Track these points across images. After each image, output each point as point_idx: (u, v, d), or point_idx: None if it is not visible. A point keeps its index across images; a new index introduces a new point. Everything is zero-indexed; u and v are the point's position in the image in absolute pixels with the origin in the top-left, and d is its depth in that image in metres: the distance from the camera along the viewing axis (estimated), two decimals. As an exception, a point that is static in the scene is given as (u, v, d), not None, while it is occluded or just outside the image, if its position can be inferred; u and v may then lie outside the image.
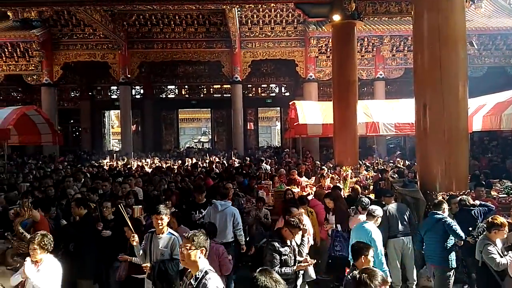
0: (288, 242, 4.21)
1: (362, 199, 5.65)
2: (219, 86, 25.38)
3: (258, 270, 2.54)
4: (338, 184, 8.15)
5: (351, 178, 9.15)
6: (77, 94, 24.81)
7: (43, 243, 3.63)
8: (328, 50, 17.73)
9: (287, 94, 25.05)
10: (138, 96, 25.02)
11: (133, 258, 4.52)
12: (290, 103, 15.43)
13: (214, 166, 12.72)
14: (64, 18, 17.73)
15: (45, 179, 9.85)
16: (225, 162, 15.18)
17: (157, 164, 14.25)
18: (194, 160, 15.40)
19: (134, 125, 23.97)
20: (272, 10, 17.97)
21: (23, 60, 18.37)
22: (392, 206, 5.94)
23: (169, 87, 25.86)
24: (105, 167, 14.02)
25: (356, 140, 11.13)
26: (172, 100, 25.82)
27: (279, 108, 27.16)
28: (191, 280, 2.93)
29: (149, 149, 22.10)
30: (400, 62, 18.95)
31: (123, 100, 19.81)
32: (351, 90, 10.96)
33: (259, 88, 25.37)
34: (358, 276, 2.68)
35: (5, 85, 21.44)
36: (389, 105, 14.09)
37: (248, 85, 24.35)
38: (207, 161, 15.11)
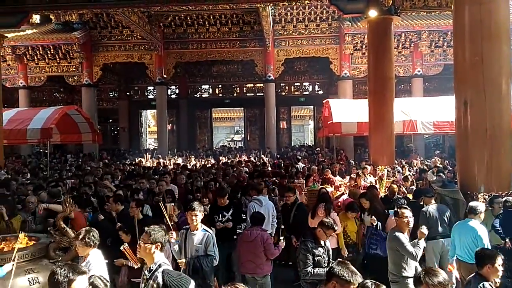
0: (322, 242, 4.16)
1: (399, 199, 5.50)
2: (252, 85, 25.46)
3: (336, 262, 2.72)
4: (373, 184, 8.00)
5: (387, 177, 8.92)
6: (115, 94, 25.60)
7: (86, 239, 3.72)
8: (364, 46, 17.40)
9: (321, 92, 24.80)
10: (173, 96, 25.49)
11: (128, 262, 4.44)
12: (324, 101, 15.27)
13: (243, 165, 12.76)
14: (103, 20, 18.32)
15: (85, 176, 10.23)
16: (253, 160, 15.23)
17: (193, 163, 14.44)
18: (225, 159, 15.54)
19: (170, 124, 24.44)
20: (306, 8, 17.82)
21: (65, 61, 19.13)
22: (433, 207, 5.76)
23: (203, 86, 26.19)
24: (146, 164, 14.39)
25: (392, 139, 10.85)
26: (206, 100, 26.15)
27: (312, 106, 26.94)
28: (146, 271, 3.17)
29: (184, 148, 22.47)
30: (439, 58, 18.32)
31: (159, 100, 20.25)
32: (388, 87, 10.70)
33: (292, 87, 25.25)
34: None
35: (47, 86, 22.41)
36: (428, 103, 13.68)
37: (281, 84, 24.29)
38: (236, 159, 15.17)
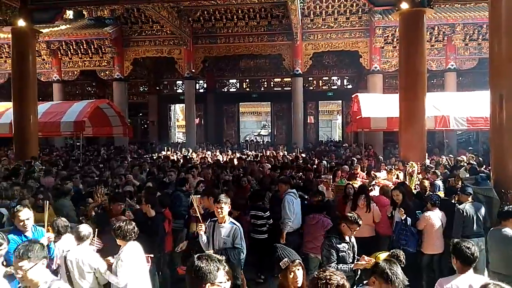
0: (347, 238, 4.09)
1: (432, 196, 5.37)
2: (279, 79, 25.38)
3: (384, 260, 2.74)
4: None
5: (418, 174, 8.71)
6: (145, 89, 26.08)
7: (121, 230, 3.84)
8: (395, 40, 17.01)
9: (350, 86, 24.44)
10: (201, 90, 25.74)
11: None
12: (353, 96, 15.02)
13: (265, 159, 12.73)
14: (134, 16, 18.66)
15: (117, 168, 10.50)
16: (282, 155, 15.19)
17: (218, 157, 14.56)
18: (253, 153, 15.58)
19: (198, 118, 24.70)
20: (336, 0, 17.59)
21: (97, 56, 19.63)
22: (469, 205, 5.57)
23: (231, 81, 26.32)
24: (178, 157, 14.59)
25: (423, 134, 10.56)
26: (234, 94, 26.26)
27: (340, 101, 26.62)
28: None
29: (211, 142, 22.68)
30: (473, 52, 17.68)
31: (187, 94, 20.50)
32: (419, 81, 10.41)
33: (320, 81, 25.00)
34: None
35: (80, 80, 23.05)
36: (461, 98, 13.25)
37: (309, 78, 24.09)
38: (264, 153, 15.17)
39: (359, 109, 13.25)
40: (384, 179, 8.71)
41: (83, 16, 19.54)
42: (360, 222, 4.12)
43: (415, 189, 7.58)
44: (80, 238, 3.93)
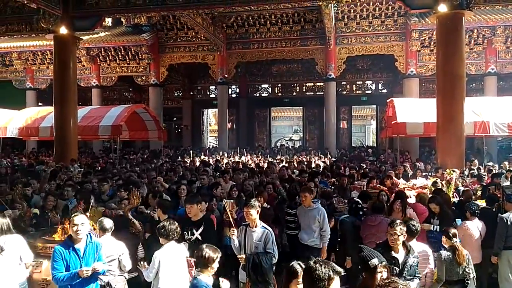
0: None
1: (471, 204, 5.17)
2: (312, 83, 25.23)
3: None
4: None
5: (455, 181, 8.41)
6: (179, 94, 26.60)
7: (162, 230, 3.95)
8: (432, 43, 16.56)
9: (384, 91, 23.96)
10: (234, 95, 25.96)
11: None
12: (388, 101, 14.73)
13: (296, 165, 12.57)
14: (170, 23, 19.11)
15: (150, 172, 10.72)
16: (313, 160, 15.02)
17: (250, 162, 14.59)
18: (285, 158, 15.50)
19: (230, 123, 24.92)
20: (371, 4, 17.31)
21: (134, 62, 20.22)
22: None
23: (263, 85, 26.39)
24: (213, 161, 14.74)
25: (462, 140, 10.21)
26: (266, 99, 26.32)
27: (375, 106, 26.14)
28: None
29: (243, 146, 22.78)
30: (515, 55, 16.97)
31: (220, 99, 20.73)
32: (458, 86, 10.08)
33: (354, 85, 24.65)
34: None
35: (118, 85, 23.79)
36: (502, 103, 12.72)
37: (342, 82, 23.82)
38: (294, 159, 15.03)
39: (394, 114, 12.98)
40: (421, 186, 8.45)
41: (121, 23, 20.18)
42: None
43: (453, 197, 7.33)
44: (104, 230, 4.36)
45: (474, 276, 4.39)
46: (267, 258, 4.14)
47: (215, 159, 15.56)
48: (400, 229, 3.75)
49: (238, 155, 16.97)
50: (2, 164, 12.46)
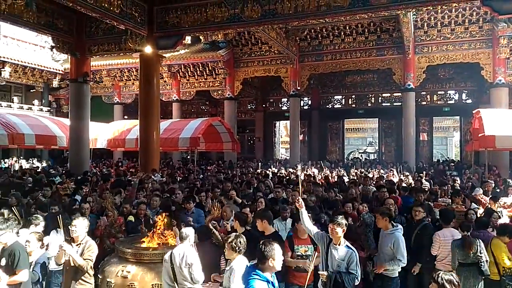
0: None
1: None
2: (388, 94, 24.36)
3: None
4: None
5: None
6: (252, 106, 27.17)
7: (232, 244, 3.93)
8: (523, 49, 15.19)
9: (469, 101, 22.38)
10: (306, 107, 25.90)
11: None
12: (474, 112, 13.71)
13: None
14: (245, 38, 19.68)
15: (226, 183, 11.00)
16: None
17: (325, 174, 14.35)
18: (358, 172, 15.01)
19: (301, 135, 24.86)
20: (453, 11, 16.36)
21: (211, 77, 21.12)
22: None
23: (336, 97, 26.01)
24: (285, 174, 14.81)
25: None
26: (339, 110, 25.89)
27: (458, 117, 24.53)
28: None
29: (315, 159, 22.55)
30: None
31: (292, 111, 20.78)
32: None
33: (435, 95, 23.33)
34: None
35: (195, 99, 24.93)
36: None
37: (422, 92, 22.66)
38: (372, 174, 14.44)
39: (481, 126, 12.02)
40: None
41: (199, 41, 21.18)
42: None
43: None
44: (182, 238, 4.49)
45: (487, 260, 5.07)
46: (350, 278, 3.99)
47: (288, 171, 15.57)
48: None
49: (311, 167, 16.80)
50: (92, 173, 13.57)
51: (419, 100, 21.96)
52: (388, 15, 15.55)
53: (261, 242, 3.27)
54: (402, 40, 16.98)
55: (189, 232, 4.53)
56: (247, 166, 18.65)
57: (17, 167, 17.65)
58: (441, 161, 22.60)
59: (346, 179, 12.91)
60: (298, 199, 4.54)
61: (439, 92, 23.22)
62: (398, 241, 4.80)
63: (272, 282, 3.15)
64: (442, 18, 16.87)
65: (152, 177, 11.44)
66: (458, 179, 12.11)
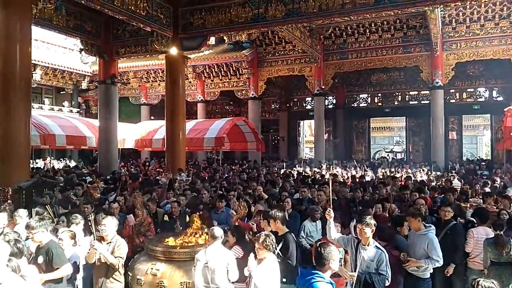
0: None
1: None
2: (416, 92, 23.87)
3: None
4: None
5: None
6: (276, 106, 27.14)
7: (265, 243, 3.96)
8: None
9: (500, 98, 21.67)
10: (330, 106, 25.67)
11: None
12: (505, 110, 13.32)
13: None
14: (268, 38, 19.69)
15: (252, 182, 11.04)
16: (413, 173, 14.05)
17: (352, 174, 14.20)
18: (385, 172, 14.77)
19: (326, 134, 24.65)
20: (482, 6, 15.90)
21: (235, 77, 21.22)
22: None
23: (361, 96, 25.68)
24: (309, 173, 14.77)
25: None
26: (364, 109, 25.54)
27: (488, 115, 23.76)
28: None
29: (340, 158, 22.34)
30: None
31: (317, 111, 20.63)
32: None
33: (464, 93, 22.70)
34: None
35: (220, 99, 25.11)
36: None
37: (451, 90, 22.09)
38: (399, 174, 14.16)
39: (514, 124, 11.68)
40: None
41: (223, 41, 21.33)
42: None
43: None
44: (214, 237, 4.54)
45: None
46: (380, 279, 3.95)
47: (313, 170, 15.49)
48: None
49: (336, 167, 16.66)
50: (121, 173, 13.88)
51: (448, 98, 21.42)
52: (414, 12, 15.19)
53: (318, 245, 3.30)
54: (430, 37, 16.61)
55: (219, 231, 4.59)
56: (272, 165, 18.65)
57: (55, 166, 18.21)
58: (472, 160, 21.96)
59: (368, 178, 12.78)
60: (330, 210, 4.48)
61: (468, 90, 22.58)
62: (432, 241, 4.72)
63: (333, 284, 3.20)
64: (471, 14, 16.42)
65: (178, 177, 11.61)
66: (498, 179, 11.65)
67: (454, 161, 19.60)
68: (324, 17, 11.03)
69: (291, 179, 11.57)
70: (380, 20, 17.33)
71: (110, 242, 4.67)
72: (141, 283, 4.90)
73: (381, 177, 13.24)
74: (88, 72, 24.58)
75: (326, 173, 14.87)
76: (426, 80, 18.01)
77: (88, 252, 4.69)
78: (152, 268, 4.95)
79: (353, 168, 16.29)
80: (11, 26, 8.35)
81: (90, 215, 5.42)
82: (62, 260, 4.13)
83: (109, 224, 4.68)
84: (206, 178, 12.42)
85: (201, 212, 6.37)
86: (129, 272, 5.04)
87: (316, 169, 15.91)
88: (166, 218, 6.72)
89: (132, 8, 10.93)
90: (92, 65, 23.78)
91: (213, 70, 21.26)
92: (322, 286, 3.12)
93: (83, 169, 15.38)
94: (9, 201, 6.94)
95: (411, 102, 24.23)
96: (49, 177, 12.56)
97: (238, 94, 21.54)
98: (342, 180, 11.56)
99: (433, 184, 10.72)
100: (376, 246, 4.11)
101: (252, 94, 20.68)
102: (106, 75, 14.52)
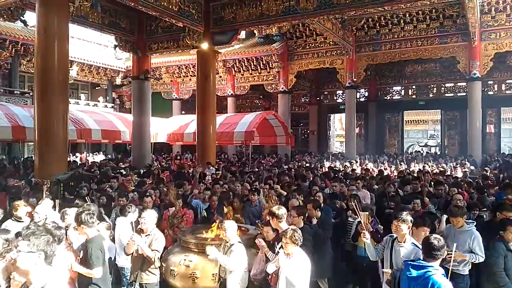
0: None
1: None
2: (452, 84, 23.06)
3: None
4: None
5: None
6: (306, 100, 26.91)
7: (294, 238, 3.95)
8: None
9: (542, 90, 20.65)
10: (362, 99, 25.19)
11: None
12: (549, 101, 12.64)
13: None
14: (299, 30, 19.49)
15: (283, 176, 11.01)
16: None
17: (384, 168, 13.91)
18: (421, 166, 14.36)
19: (357, 128, 24.25)
20: (525, -8, 15.13)
21: (265, 71, 21.17)
22: None
23: (394, 88, 25.06)
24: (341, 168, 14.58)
25: None
26: (397, 102, 24.91)
27: (529, 107, 22.70)
28: None
29: (371, 153, 21.94)
30: None
31: (348, 104, 20.27)
32: None
33: (503, 85, 21.74)
34: None
35: (249, 93, 25.14)
36: None
37: (489, 82, 21.22)
38: (434, 169, 13.74)
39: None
40: None
41: (253, 35, 21.30)
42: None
43: None
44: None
45: None
46: (416, 275, 3.86)
47: (344, 165, 15.27)
48: None
49: (368, 161, 16.38)
50: (154, 166, 14.16)
51: (486, 89, 20.58)
52: (451, 0, 14.69)
53: (432, 237, 3.31)
54: (467, 26, 15.95)
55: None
56: (302, 159, 18.54)
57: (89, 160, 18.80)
58: (510, 154, 21.03)
59: (395, 172, 12.49)
60: (364, 233, 4.35)
61: (507, 81, 21.60)
62: (478, 238, 4.63)
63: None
64: (511, 1, 15.63)
65: (207, 171, 11.73)
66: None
67: (492, 156, 18.84)
68: (356, 8, 10.82)
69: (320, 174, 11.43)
70: (415, 10, 16.80)
71: (149, 234, 4.75)
72: (174, 274, 4.98)
73: (418, 170, 12.87)
74: (122, 68, 25.21)
75: (357, 168, 14.65)
76: (463, 71, 17.33)
77: (127, 243, 4.80)
78: (185, 260, 5.01)
79: (385, 162, 15.94)
80: (49, 24, 8.66)
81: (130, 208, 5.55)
82: (96, 263, 4.19)
83: (149, 217, 4.75)
84: (237, 172, 12.48)
85: (235, 204, 6.41)
86: (162, 263, 5.13)
87: (346, 164, 15.66)
88: (204, 213, 6.79)
89: (165, 4, 11.10)
90: (126, 61, 24.35)
91: (243, 64, 21.29)
92: (442, 279, 3.11)
93: (120, 163, 15.78)
94: (47, 193, 7.17)
95: (446, 95, 23.44)
96: (86, 170, 13.01)
97: (268, 88, 21.49)
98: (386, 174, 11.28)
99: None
100: (413, 243, 4.01)
101: (282, 88, 20.57)
102: (139, 71, 14.82)
